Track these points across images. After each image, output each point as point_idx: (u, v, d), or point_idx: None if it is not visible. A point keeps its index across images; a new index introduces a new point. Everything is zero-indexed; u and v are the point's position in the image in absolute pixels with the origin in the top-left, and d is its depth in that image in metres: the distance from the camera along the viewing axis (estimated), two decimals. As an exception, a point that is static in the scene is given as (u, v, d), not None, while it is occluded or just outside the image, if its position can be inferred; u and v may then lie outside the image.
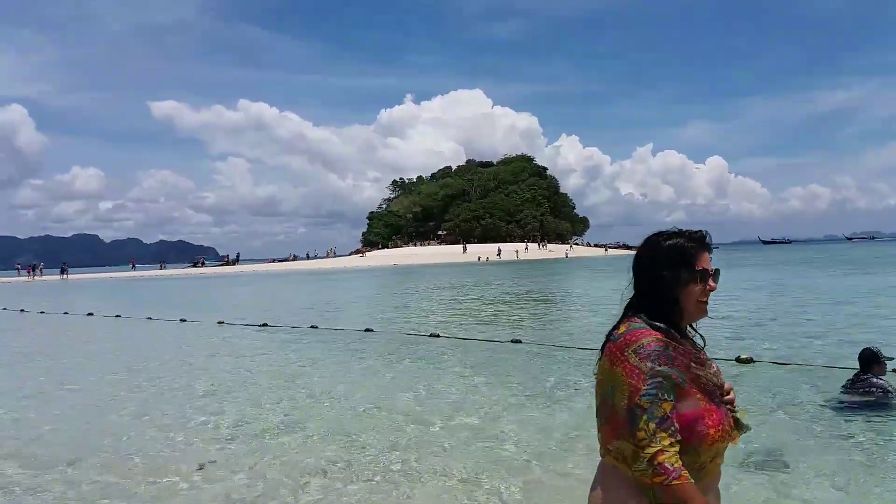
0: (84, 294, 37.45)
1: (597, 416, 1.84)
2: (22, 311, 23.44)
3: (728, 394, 1.86)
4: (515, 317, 16.71)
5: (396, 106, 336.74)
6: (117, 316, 19.55)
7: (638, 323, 1.81)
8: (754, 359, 9.05)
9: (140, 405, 7.64)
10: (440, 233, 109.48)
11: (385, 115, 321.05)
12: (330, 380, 8.94)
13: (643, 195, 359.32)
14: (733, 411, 1.84)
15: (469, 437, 5.98)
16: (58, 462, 5.51)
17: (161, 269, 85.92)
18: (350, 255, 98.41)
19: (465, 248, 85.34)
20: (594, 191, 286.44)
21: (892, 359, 6.75)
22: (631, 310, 1.90)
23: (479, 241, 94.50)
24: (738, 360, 9.10)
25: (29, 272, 71.91)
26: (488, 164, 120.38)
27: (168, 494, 4.77)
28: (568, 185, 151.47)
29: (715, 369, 1.86)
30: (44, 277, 68.24)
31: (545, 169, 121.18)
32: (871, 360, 6.48)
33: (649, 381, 1.69)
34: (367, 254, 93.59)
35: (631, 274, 1.96)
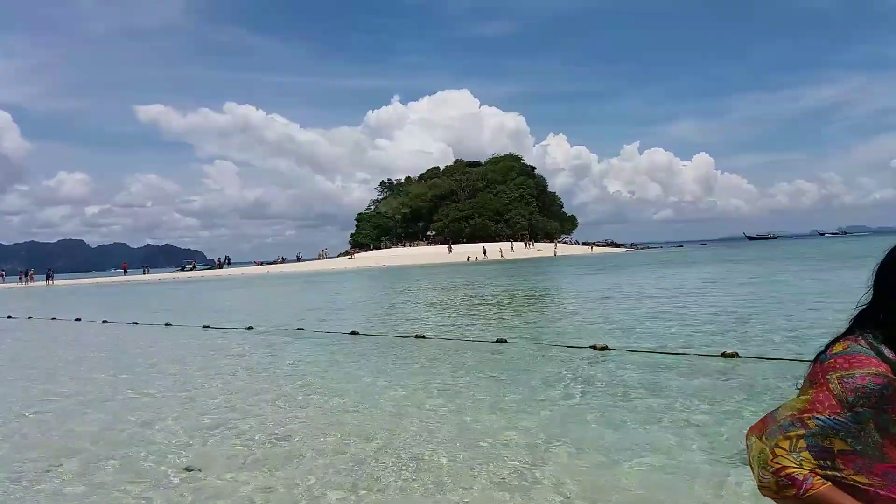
0: (71, 299, 37.07)
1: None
2: (9, 317, 23.18)
3: None
4: (502, 316, 16.68)
5: (384, 107, 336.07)
6: (104, 321, 19.33)
7: (861, 346, 1.45)
8: (739, 353, 9.07)
9: (121, 408, 7.52)
10: (429, 233, 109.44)
11: (373, 116, 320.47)
12: (312, 382, 8.86)
13: (631, 193, 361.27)
14: None
15: (450, 438, 5.92)
16: (35, 468, 5.39)
17: (144, 273, 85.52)
18: (339, 256, 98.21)
19: (450, 249, 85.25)
20: (582, 189, 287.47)
21: None
22: (861, 326, 1.51)
23: (469, 241, 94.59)
24: (724, 355, 9.13)
25: (21, 278, 73.10)
26: (476, 164, 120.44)
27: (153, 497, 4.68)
28: (556, 184, 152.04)
29: None
30: (33, 283, 68.42)
31: (533, 168, 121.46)
32: None
33: (836, 416, 1.40)
34: (356, 255, 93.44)
35: (871, 282, 1.56)
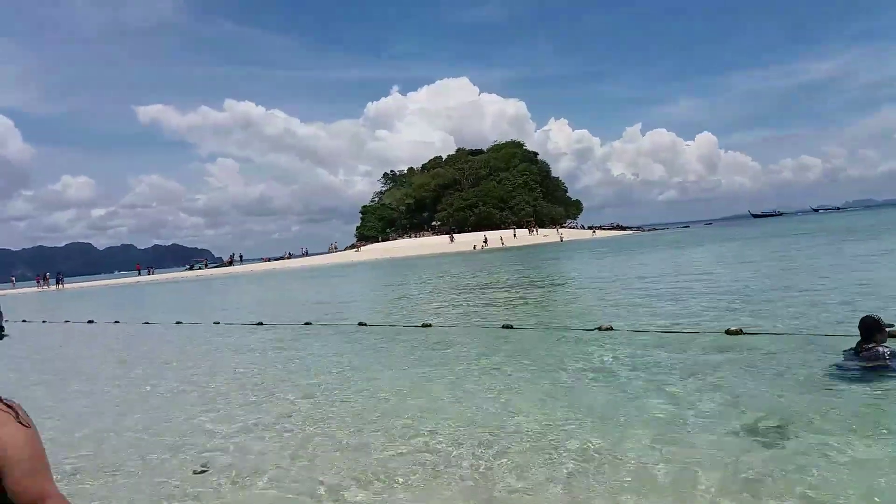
0: (90, 302, 37.41)
1: None
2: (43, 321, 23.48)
3: None
4: (509, 302, 16.82)
5: (383, 98, 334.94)
6: (115, 322, 19.58)
7: None
8: (743, 330, 9.19)
9: (136, 406, 7.72)
10: (434, 223, 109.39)
11: (372, 107, 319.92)
12: (323, 374, 9.04)
13: (635, 175, 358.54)
14: None
15: (459, 422, 6.08)
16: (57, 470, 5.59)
17: (149, 273, 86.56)
18: (345, 249, 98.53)
19: (451, 238, 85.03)
20: (586, 173, 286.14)
21: (892, 325, 6.68)
22: None
23: (474, 230, 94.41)
24: (728, 332, 9.25)
25: (38, 282, 75.41)
26: (479, 152, 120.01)
27: (166, 497, 4.87)
28: (559, 168, 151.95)
29: None
30: (48, 287, 69.64)
31: (536, 154, 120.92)
32: (873, 328, 6.37)
33: None
34: (363, 248, 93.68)
35: None
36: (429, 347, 10.52)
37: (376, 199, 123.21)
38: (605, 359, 8.38)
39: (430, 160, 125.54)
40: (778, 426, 5.17)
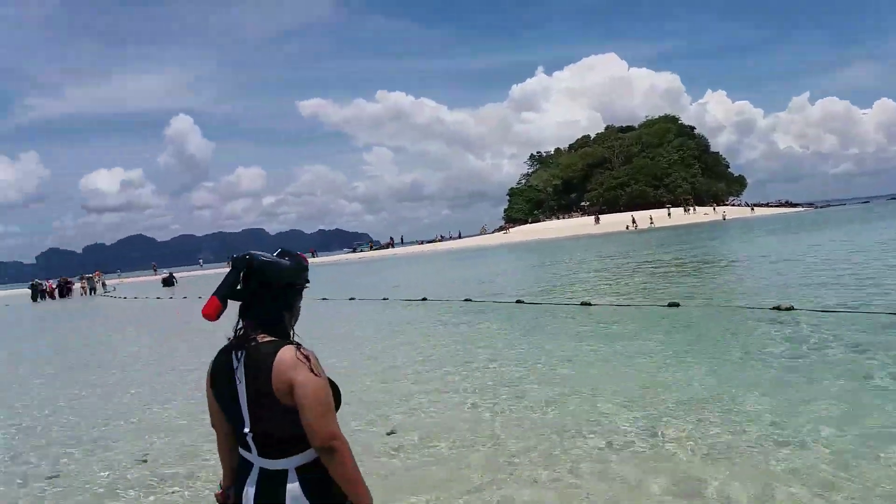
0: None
1: None
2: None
3: None
4: (670, 282, 16.29)
5: (528, 79, 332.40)
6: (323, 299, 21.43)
7: None
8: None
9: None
10: (583, 204, 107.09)
11: (517, 90, 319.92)
12: (493, 346, 9.45)
13: (804, 147, 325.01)
14: None
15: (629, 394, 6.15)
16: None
17: (313, 256, 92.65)
18: (493, 232, 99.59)
19: (597, 220, 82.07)
20: (748, 147, 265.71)
21: None
22: None
23: (626, 209, 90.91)
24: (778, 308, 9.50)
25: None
26: (629, 129, 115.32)
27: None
28: (718, 143, 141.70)
29: None
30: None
31: (692, 128, 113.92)
32: None
33: None
34: (511, 230, 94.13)
35: None
36: (592, 323, 10.57)
37: (523, 181, 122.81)
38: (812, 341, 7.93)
39: (578, 139, 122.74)
40: None
